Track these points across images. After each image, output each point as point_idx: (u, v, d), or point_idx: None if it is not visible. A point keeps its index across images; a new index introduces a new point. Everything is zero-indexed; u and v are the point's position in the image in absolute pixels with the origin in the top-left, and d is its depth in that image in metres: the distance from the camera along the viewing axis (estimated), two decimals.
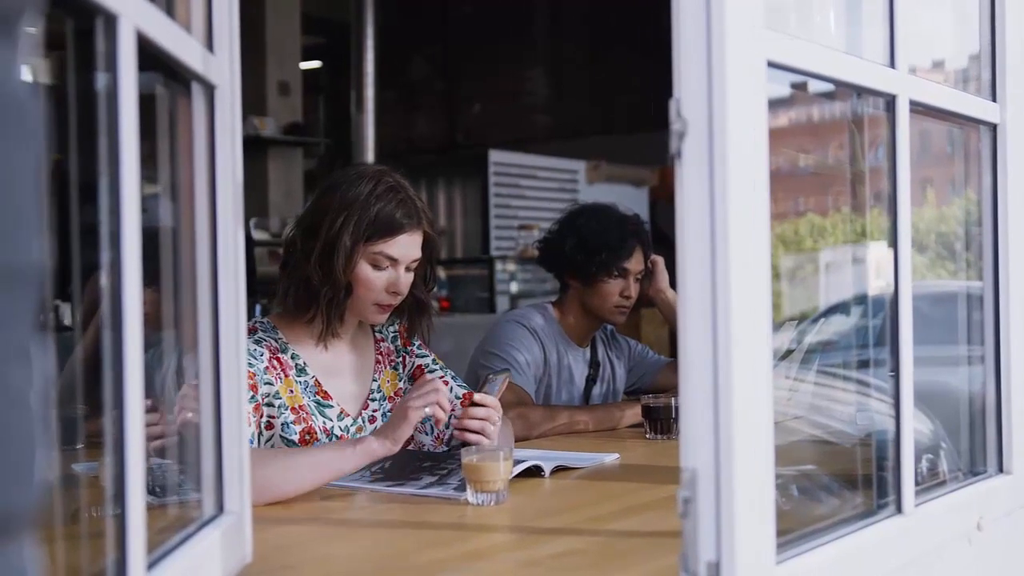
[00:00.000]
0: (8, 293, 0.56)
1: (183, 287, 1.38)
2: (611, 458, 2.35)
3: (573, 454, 2.31)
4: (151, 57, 1.12)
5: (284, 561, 1.55)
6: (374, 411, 2.31)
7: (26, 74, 0.59)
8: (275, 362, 2.18)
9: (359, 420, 2.28)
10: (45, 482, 0.60)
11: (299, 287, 2.20)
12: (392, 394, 2.36)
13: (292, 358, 2.22)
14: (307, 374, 2.22)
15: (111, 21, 1.00)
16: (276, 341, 2.22)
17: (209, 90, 1.35)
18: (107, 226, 1.02)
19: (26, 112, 0.57)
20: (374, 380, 2.34)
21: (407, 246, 2.20)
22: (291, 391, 2.18)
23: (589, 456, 2.32)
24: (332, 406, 2.23)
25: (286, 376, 2.18)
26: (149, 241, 1.09)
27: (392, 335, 2.42)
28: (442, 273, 7.73)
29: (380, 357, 2.38)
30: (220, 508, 1.38)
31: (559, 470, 2.18)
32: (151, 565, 1.10)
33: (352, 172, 2.26)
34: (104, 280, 1.02)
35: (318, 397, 2.22)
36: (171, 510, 1.44)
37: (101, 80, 1.02)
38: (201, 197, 1.36)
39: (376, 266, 2.19)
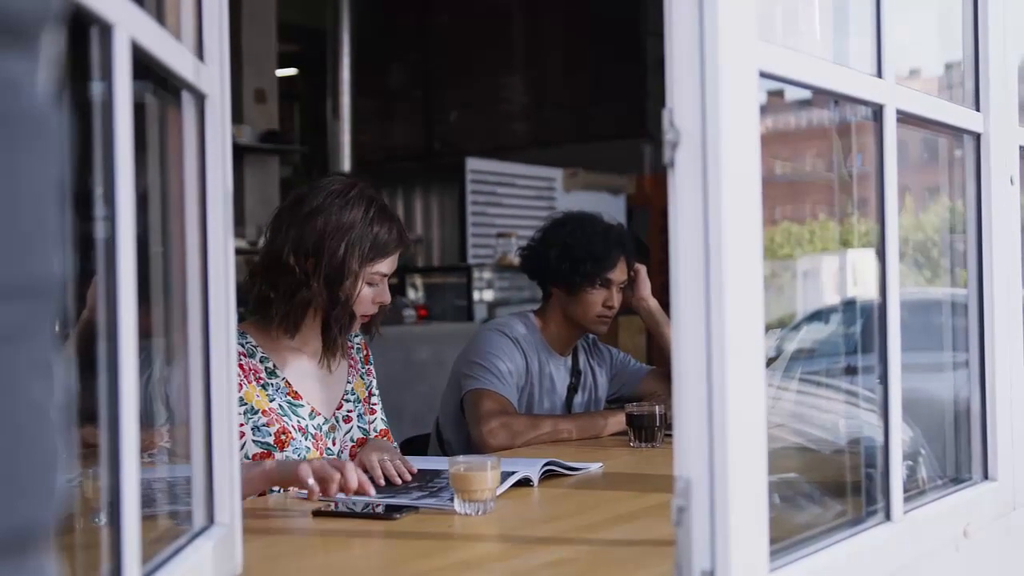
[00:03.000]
0: (29, 305, 0.56)
1: (172, 297, 1.37)
2: (595, 467, 2.35)
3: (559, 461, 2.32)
4: (142, 65, 1.12)
5: (274, 573, 1.54)
6: (348, 411, 2.40)
7: (46, 86, 0.58)
8: (239, 369, 2.21)
9: (332, 420, 2.35)
10: (65, 494, 0.60)
11: (299, 309, 2.25)
12: (363, 399, 2.45)
13: (261, 361, 2.28)
14: (278, 376, 2.28)
15: (106, 30, 0.99)
16: (243, 346, 2.25)
17: (200, 99, 1.35)
18: (102, 234, 1.01)
19: (48, 124, 0.57)
20: (348, 382, 2.42)
21: (395, 261, 2.34)
22: (258, 395, 2.24)
23: (576, 464, 2.32)
24: (303, 405, 2.29)
25: (250, 382, 2.24)
26: (138, 250, 1.08)
27: (357, 347, 2.51)
28: (419, 281, 7.71)
29: (352, 362, 2.46)
30: (211, 519, 1.37)
31: (548, 476, 2.18)
32: None
33: (331, 192, 2.28)
34: (99, 290, 1.01)
35: (289, 397, 2.28)
36: (159, 521, 1.43)
37: (95, 88, 1.02)
38: (191, 206, 1.36)
39: (370, 284, 2.29)
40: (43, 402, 0.57)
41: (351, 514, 1.87)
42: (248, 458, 2.18)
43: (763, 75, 1.25)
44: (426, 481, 2.13)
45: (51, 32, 0.59)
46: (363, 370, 2.49)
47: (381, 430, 2.46)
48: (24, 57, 0.56)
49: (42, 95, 0.58)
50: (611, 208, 7.74)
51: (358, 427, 2.41)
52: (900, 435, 1.54)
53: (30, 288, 0.56)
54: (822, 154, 1.93)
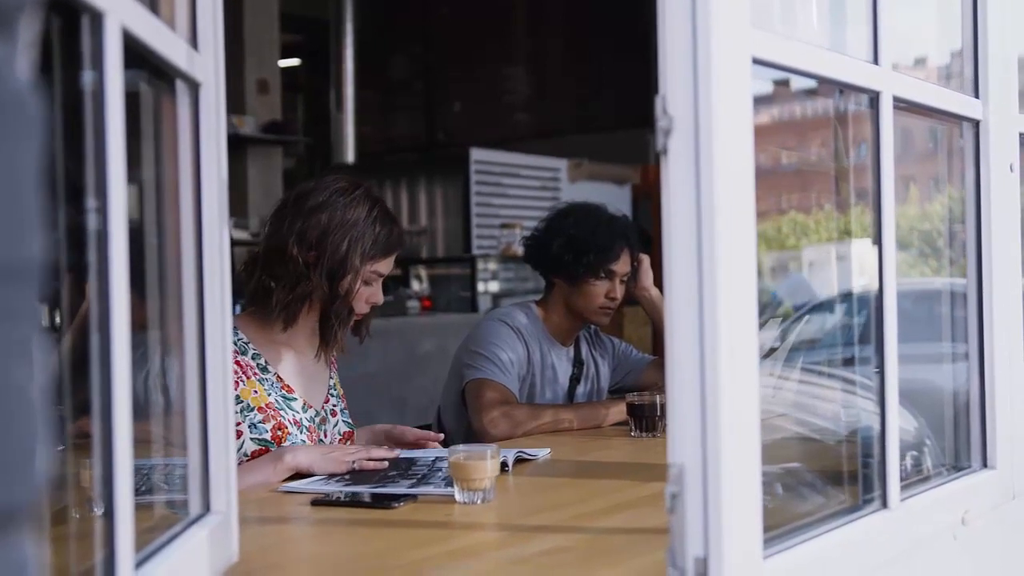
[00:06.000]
0: (10, 288, 0.56)
1: (167, 288, 1.37)
2: (543, 453, 2.38)
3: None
4: (135, 55, 1.12)
5: (270, 560, 1.55)
6: (333, 406, 2.46)
7: (25, 71, 0.59)
8: (235, 366, 2.23)
9: (322, 412, 2.40)
10: (46, 477, 0.60)
11: (299, 301, 2.29)
12: (341, 395, 2.51)
13: (253, 358, 2.31)
14: (269, 372, 2.31)
15: (97, 18, 0.99)
16: (235, 344, 2.26)
17: (194, 88, 1.35)
18: (93, 226, 1.01)
19: (27, 109, 0.57)
20: (331, 378, 2.48)
21: (392, 263, 2.38)
22: (255, 391, 2.27)
23: (532, 450, 2.36)
24: (296, 399, 2.34)
25: (248, 377, 2.27)
26: (132, 241, 1.08)
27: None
28: (423, 272, 7.72)
29: (333, 360, 2.50)
30: (207, 507, 1.37)
31: (519, 462, 2.23)
32: (138, 564, 1.10)
33: (336, 190, 2.32)
34: (90, 281, 1.02)
35: (283, 391, 2.32)
36: (156, 509, 1.44)
37: (86, 78, 1.02)
38: (186, 196, 1.36)
39: (366, 282, 2.33)
40: (23, 384, 0.57)
41: (349, 503, 1.88)
42: (247, 456, 2.20)
43: (756, 62, 1.24)
44: (405, 469, 2.13)
45: (29, 17, 0.59)
46: (337, 368, 2.55)
47: (345, 432, 2.47)
48: (1, 42, 0.56)
49: (20, 80, 0.58)
50: (616, 199, 7.74)
51: (343, 421, 2.47)
52: (897, 423, 1.54)
53: (9, 271, 0.56)
54: (828, 144, 1.93)
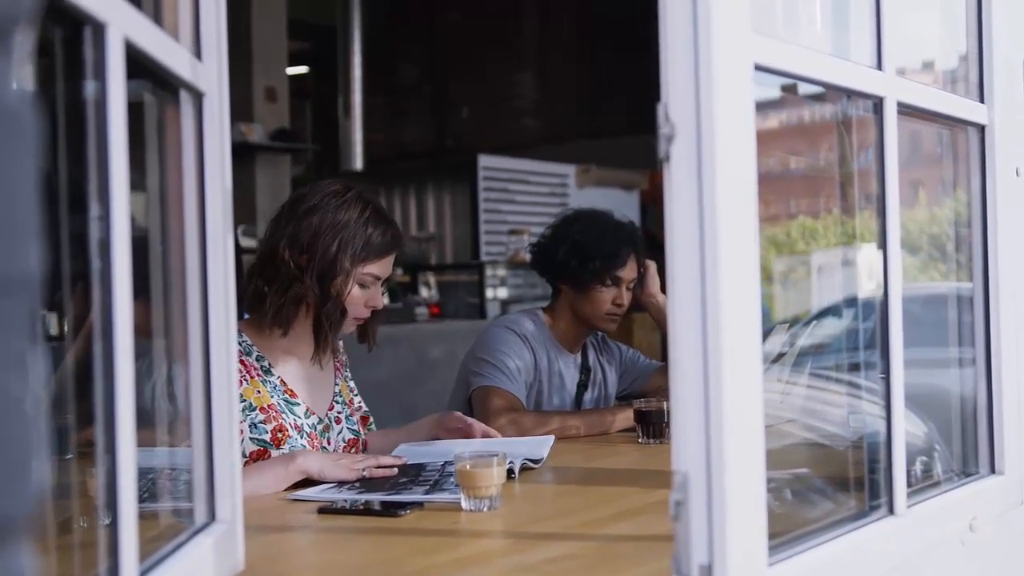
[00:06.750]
0: (5, 300, 0.56)
1: (172, 297, 1.38)
2: (548, 440, 2.42)
3: (514, 440, 2.41)
4: (139, 65, 1.12)
5: (276, 570, 1.55)
6: (338, 413, 2.45)
7: (21, 83, 0.59)
8: (239, 365, 2.24)
9: (326, 419, 2.40)
10: (42, 488, 0.60)
11: (292, 304, 2.29)
12: (347, 401, 2.49)
13: (257, 360, 2.32)
14: (273, 375, 2.32)
15: (99, 29, 1.00)
16: (240, 345, 2.28)
17: (197, 98, 1.35)
18: (96, 235, 1.01)
19: (22, 121, 0.58)
20: (336, 384, 2.47)
21: (390, 265, 2.37)
22: (258, 392, 2.28)
23: (534, 439, 2.40)
24: (299, 404, 2.34)
25: (252, 378, 2.28)
26: (137, 250, 1.09)
27: (340, 350, 2.56)
28: (432, 279, 7.71)
29: (338, 365, 2.51)
30: (212, 516, 1.37)
31: (525, 469, 2.23)
32: (143, 573, 1.10)
33: (329, 193, 2.33)
34: (94, 290, 1.02)
35: (286, 395, 2.32)
36: (161, 517, 1.44)
37: (89, 88, 1.02)
38: (190, 205, 1.36)
39: (362, 285, 2.33)
40: (18, 395, 0.57)
41: (356, 511, 1.88)
42: (245, 455, 2.20)
43: (758, 68, 1.24)
44: (415, 476, 2.13)
45: (25, 29, 0.59)
46: (346, 374, 2.54)
47: (350, 439, 2.47)
48: None
49: (15, 92, 0.58)
50: (625, 204, 7.73)
51: (347, 428, 2.46)
52: (903, 428, 1.54)
53: (6, 283, 0.56)
54: (836, 148, 1.93)
